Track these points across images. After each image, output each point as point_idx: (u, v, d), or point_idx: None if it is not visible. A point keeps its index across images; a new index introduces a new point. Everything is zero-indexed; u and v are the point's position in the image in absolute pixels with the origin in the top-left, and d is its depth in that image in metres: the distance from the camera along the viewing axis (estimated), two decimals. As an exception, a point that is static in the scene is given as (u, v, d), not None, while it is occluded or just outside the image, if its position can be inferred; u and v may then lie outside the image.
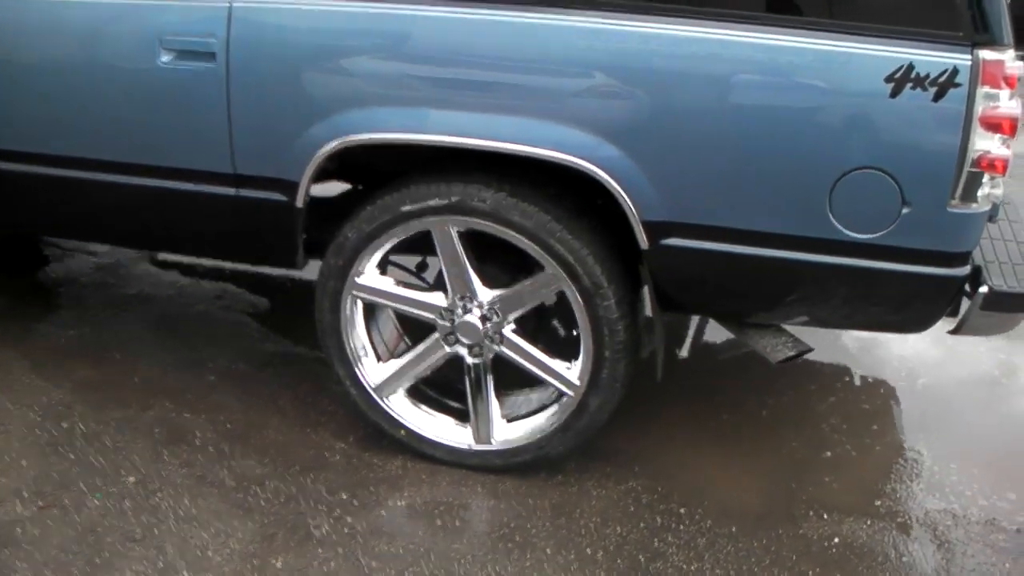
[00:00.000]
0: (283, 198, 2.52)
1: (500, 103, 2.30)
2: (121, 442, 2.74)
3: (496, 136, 2.29)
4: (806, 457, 2.82)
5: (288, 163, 2.47)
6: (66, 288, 3.76)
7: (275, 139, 2.47)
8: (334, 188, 2.96)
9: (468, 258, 2.48)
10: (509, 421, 2.65)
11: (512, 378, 2.64)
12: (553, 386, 2.56)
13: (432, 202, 2.41)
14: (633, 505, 2.57)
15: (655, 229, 2.28)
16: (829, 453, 2.84)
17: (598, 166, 2.23)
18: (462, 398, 2.65)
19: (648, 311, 2.53)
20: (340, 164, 2.66)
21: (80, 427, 2.80)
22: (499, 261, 2.56)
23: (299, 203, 2.50)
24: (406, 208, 2.43)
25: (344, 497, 2.55)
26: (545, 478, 2.66)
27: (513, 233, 2.38)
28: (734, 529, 2.48)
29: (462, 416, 2.68)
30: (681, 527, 2.49)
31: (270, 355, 3.30)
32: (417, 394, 2.73)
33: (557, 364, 2.53)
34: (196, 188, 2.61)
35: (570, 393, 2.52)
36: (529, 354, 2.54)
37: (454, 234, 2.45)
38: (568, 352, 2.54)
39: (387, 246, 2.53)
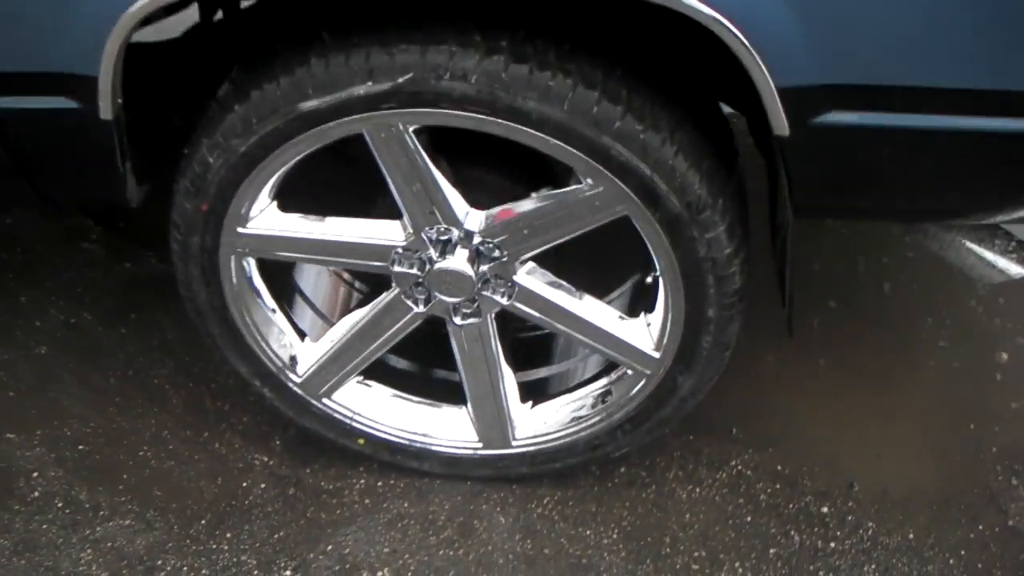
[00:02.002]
0: (75, 104, 1.32)
1: None
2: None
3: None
4: (983, 379, 1.86)
5: (67, 45, 1.26)
6: None
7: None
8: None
9: (438, 165, 1.36)
10: (535, 405, 1.64)
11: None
12: (615, 360, 1.54)
13: (360, 90, 1.23)
14: (749, 511, 1.63)
15: (804, 100, 1.19)
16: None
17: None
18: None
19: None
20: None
21: None
22: (494, 158, 1.45)
23: (105, 112, 1.30)
24: (309, 105, 1.26)
25: (289, 577, 1.56)
26: (601, 478, 1.70)
27: (529, 131, 1.24)
28: (911, 536, 1.59)
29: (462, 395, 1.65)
30: (831, 545, 1.58)
31: (128, 283, 2.14)
32: (384, 374, 1.69)
33: (616, 325, 1.49)
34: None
35: (645, 371, 1.50)
36: (565, 312, 1.48)
37: (408, 136, 1.30)
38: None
39: (284, 168, 1.38)
